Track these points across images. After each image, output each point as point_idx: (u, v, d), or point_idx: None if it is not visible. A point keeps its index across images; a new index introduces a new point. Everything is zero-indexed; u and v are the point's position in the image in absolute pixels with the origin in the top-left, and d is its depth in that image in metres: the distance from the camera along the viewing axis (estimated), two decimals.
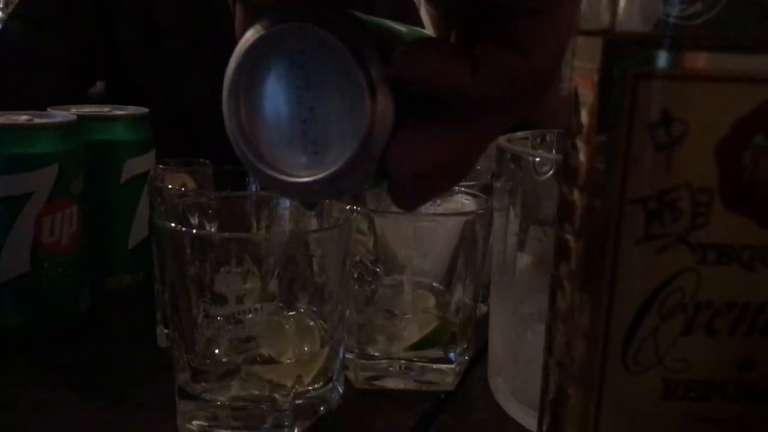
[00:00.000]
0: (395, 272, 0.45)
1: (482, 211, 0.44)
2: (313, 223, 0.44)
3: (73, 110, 0.54)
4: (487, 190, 0.47)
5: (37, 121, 0.49)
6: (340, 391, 0.42)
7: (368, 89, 0.23)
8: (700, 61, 0.23)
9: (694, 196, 0.24)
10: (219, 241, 0.40)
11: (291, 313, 0.40)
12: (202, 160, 0.59)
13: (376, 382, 0.45)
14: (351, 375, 0.45)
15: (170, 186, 0.52)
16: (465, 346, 0.46)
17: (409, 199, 0.28)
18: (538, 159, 0.41)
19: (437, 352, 0.45)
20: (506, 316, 0.42)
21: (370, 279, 0.45)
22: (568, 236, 0.27)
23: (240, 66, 0.25)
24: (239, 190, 0.52)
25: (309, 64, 0.24)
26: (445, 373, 0.45)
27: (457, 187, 0.47)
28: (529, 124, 0.43)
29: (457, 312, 0.44)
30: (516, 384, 0.41)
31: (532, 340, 0.40)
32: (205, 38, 0.92)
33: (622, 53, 0.24)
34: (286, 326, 0.40)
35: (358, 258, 0.45)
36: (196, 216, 0.44)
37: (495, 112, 0.26)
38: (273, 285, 0.40)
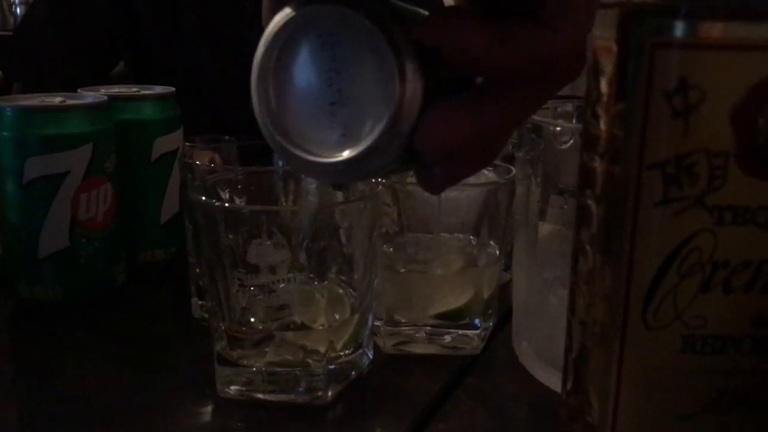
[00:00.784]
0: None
1: (504, 181, 0.45)
2: (339, 196, 0.46)
3: (102, 90, 0.56)
4: (509, 159, 0.48)
5: (69, 102, 0.50)
6: (370, 356, 0.44)
7: (398, 70, 0.24)
8: (714, 30, 0.24)
9: (711, 160, 0.25)
10: (249, 213, 0.42)
11: (322, 283, 0.42)
12: (227, 137, 0.60)
13: (403, 348, 0.46)
14: (380, 341, 0.46)
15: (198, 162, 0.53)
16: (489, 312, 0.47)
17: (437, 181, 0.27)
18: (558, 128, 0.42)
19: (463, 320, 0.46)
20: (529, 281, 0.44)
21: (394, 248, 0.47)
22: (589, 202, 0.29)
23: (269, 49, 0.25)
24: (264, 164, 0.53)
25: (338, 46, 0.25)
26: (470, 338, 0.46)
27: None
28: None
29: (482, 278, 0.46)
30: (540, 346, 0.42)
31: (554, 304, 0.41)
32: (223, 15, 0.93)
33: (639, 24, 0.25)
34: (317, 295, 0.41)
35: (384, 229, 0.46)
36: (226, 191, 0.45)
37: (524, 88, 0.26)
38: (302, 256, 0.41)
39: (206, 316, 0.48)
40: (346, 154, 0.25)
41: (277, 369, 0.41)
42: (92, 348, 0.47)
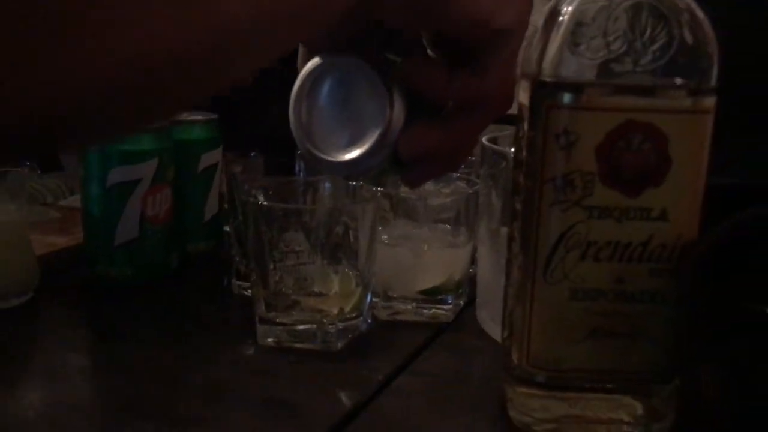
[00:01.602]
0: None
1: (472, 191, 0.60)
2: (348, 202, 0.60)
3: None
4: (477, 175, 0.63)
5: None
6: (369, 321, 0.58)
7: (388, 101, 0.34)
8: (584, 99, 0.39)
9: (584, 177, 0.39)
10: (281, 211, 0.57)
11: (334, 264, 0.57)
12: (252, 153, 0.75)
13: (395, 317, 0.61)
14: (377, 312, 0.61)
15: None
16: (460, 291, 0.62)
17: (414, 178, 0.38)
18: (511, 152, 0.56)
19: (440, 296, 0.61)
20: (490, 266, 0.58)
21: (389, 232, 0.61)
22: (516, 204, 0.43)
23: (303, 83, 0.36)
24: (286, 175, 0.68)
25: (350, 82, 0.35)
26: (445, 311, 0.61)
27: (455, 175, 0.63)
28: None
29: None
30: (494, 313, 0.57)
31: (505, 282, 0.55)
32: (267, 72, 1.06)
33: (541, 93, 0.39)
34: (331, 273, 0.56)
35: (381, 228, 0.61)
36: (261, 195, 0.60)
37: (472, 114, 0.36)
38: (319, 245, 0.56)
39: (244, 293, 0.63)
40: (350, 156, 0.35)
41: (300, 326, 0.55)
42: (155, 315, 0.62)
